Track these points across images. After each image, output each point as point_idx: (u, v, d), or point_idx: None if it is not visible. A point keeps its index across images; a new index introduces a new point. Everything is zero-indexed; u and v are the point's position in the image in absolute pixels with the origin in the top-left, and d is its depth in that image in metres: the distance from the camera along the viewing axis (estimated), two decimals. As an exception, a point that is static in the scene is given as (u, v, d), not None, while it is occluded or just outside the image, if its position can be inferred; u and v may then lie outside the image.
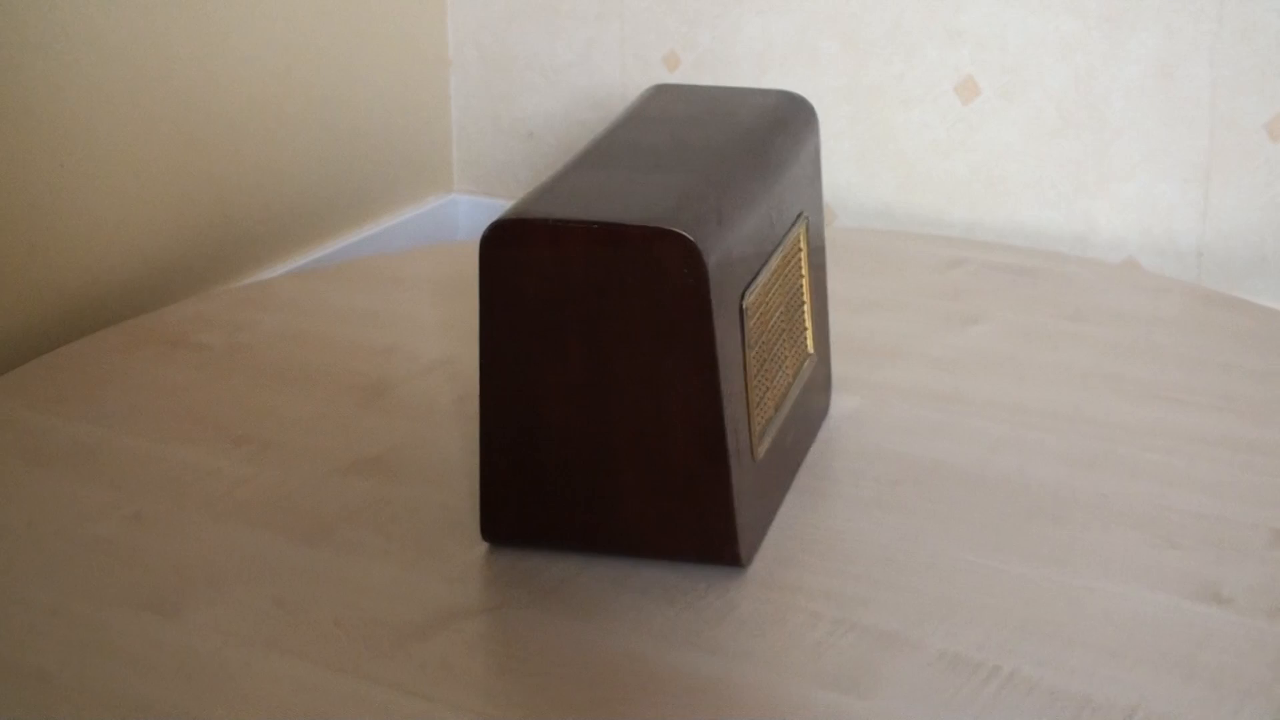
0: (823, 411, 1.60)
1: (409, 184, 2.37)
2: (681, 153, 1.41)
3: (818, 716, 1.18)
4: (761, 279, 1.39)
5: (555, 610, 1.33)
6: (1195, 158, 2.04)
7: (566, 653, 1.27)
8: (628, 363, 1.30)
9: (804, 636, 1.28)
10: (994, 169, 2.15)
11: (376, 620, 1.31)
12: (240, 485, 1.52)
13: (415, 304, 1.91)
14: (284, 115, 2.15)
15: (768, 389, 1.42)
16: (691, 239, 1.26)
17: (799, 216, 1.51)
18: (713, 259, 1.28)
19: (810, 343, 1.55)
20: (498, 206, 2.37)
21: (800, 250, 1.52)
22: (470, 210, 2.39)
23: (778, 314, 1.46)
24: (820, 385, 1.58)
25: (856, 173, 2.18)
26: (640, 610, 1.32)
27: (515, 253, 1.30)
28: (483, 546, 1.41)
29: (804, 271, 1.53)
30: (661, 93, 1.59)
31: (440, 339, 1.82)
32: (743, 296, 1.35)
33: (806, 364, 1.53)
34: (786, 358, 1.48)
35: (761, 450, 1.39)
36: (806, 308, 1.53)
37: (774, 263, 1.43)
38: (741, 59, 2.20)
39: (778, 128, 1.50)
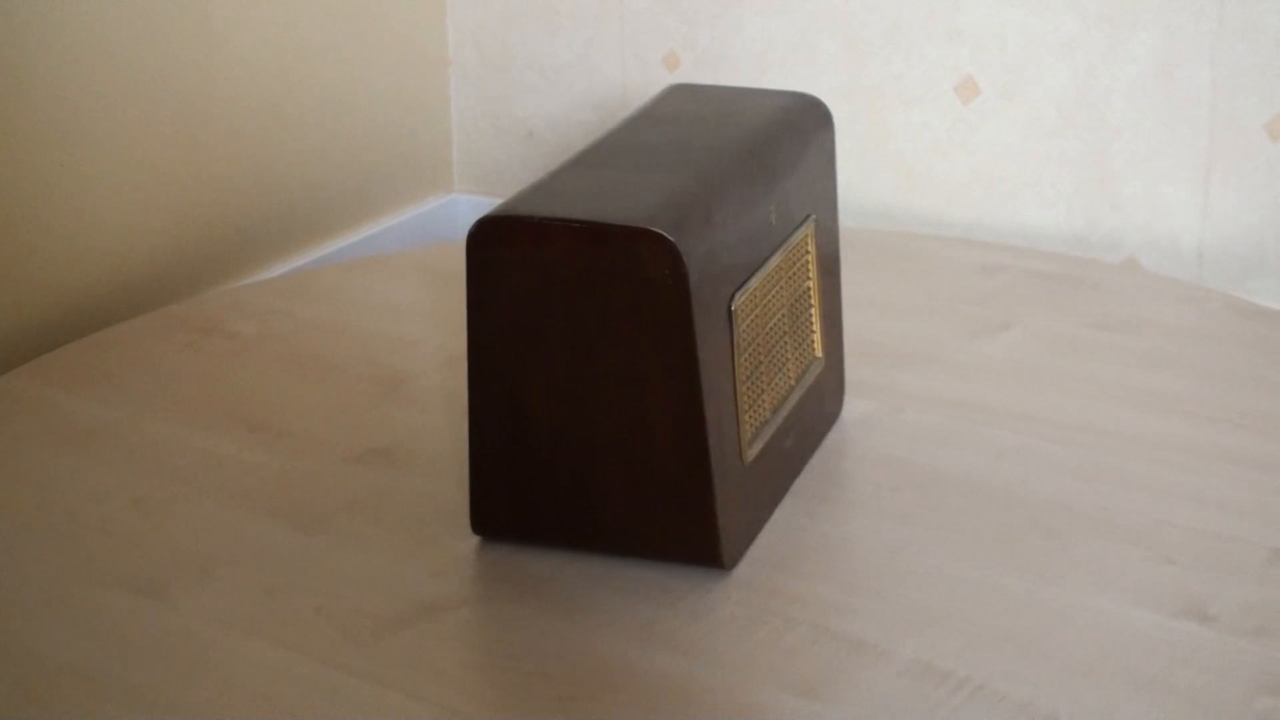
0: (832, 415, 1.59)
1: (409, 184, 2.38)
2: (680, 153, 1.41)
3: (776, 721, 1.18)
4: (756, 281, 1.39)
5: (535, 605, 1.33)
6: (1195, 158, 2.03)
7: (539, 648, 1.28)
8: (610, 362, 1.31)
9: (777, 641, 1.28)
10: (994, 169, 2.14)
11: (359, 610, 1.32)
12: (247, 473, 1.54)
13: (452, 298, 1.92)
14: (284, 115, 2.16)
15: (763, 392, 1.42)
16: (671, 239, 1.26)
17: (806, 219, 1.50)
18: (695, 259, 1.28)
19: (818, 346, 1.54)
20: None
21: (808, 253, 1.51)
22: (470, 210, 2.39)
23: (779, 317, 1.45)
24: (830, 389, 1.58)
25: (856, 173, 2.18)
26: (619, 609, 1.32)
27: (501, 250, 1.31)
28: (475, 540, 1.42)
29: (812, 274, 1.52)
30: (677, 92, 1.60)
31: (465, 334, 1.83)
32: (732, 298, 1.34)
33: (813, 367, 1.53)
34: (789, 361, 1.48)
35: (752, 453, 1.38)
36: (814, 311, 1.53)
37: (773, 265, 1.43)
38: (741, 59, 2.20)
39: (786, 129, 1.49)
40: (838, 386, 1.60)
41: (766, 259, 1.42)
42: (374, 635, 1.29)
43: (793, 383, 1.48)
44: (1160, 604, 1.31)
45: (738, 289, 1.36)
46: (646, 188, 1.34)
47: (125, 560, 1.40)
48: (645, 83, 2.21)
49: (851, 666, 1.24)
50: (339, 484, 1.52)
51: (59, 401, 1.68)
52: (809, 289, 1.52)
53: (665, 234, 1.26)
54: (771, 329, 1.44)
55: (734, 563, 1.37)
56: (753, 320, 1.39)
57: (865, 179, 2.19)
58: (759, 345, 1.41)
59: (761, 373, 1.42)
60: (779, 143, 1.47)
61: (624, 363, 1.30)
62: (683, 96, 1.58)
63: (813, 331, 1.53)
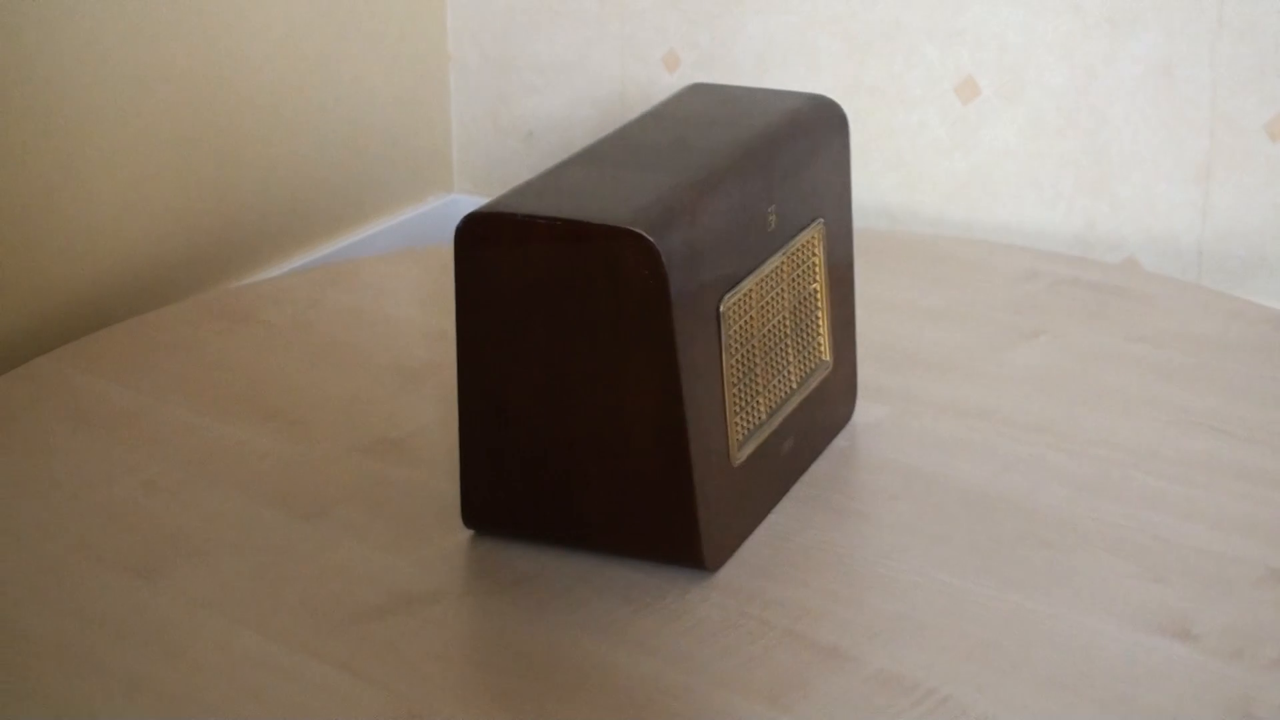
0: (842, 420, 1.59)
1: (409, 184, 2.38)
2: (677, 153, 1.41)
3: (731, 726, 1.18)
4: (750, 283, 1.39)
5: (515, 601, 1.34)
6: (1195, 158, 2.02)
7: (509, 644, 1.29)
8: (591, 361, 1.31)
9: (748, 645, 1.27)
10: (994, 169, 2.13)
11: (341, 598, 1.34)
12: (258, 459, 1.56)
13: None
14: (284, 115, 2.16)
15: (757, 394, 1.41)
16: (650, 239, 1.26)
17: (813, 222, 1.49)
18: (678, 260, 1.28)
19: (826, 350, 1.53)
20: (497, 207, 2.38)
21: (815, 256, 1.50)
22: (470, 210, 2.40)
23: (779, 319, 1.44)
24: (839, 393, 1.57)
25: (856, 173, 2.18)
26: (596, 607, 1.32)
27: (487, 246, 1.31)
28: (467, 534, 1.43)
29: (819, 278, 1.51)
30: (694, 91, 1.59)
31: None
32: (721, 300, 1.34)
33: (818, 371, 1.52)
34: (790, 364, 1.47)
35: (742, 456, 1.38)
36: (821, 314, 1.52)
37: (772, 268, 1.42)
38: (741, 59, 2.19)
39: (794, 131, 1.48)
40: (849, 391, 1.59)
41: (763, 261, 1.41)
42: (350, 624, 1.31)
43: (794, 386, 1.48)
44: (1143, 622, 1.29)
45: (728, 291, 1.35)
46: (635, 187, 1.34)
47: (124, 541, 1.43)
48: (645, 83, 2.21)
49: (818, 674, 1.24)
50: (344, 474, 1.54)
51: (89, 385, 1.72)
52: (815, 292, 1.51)
53: (644, 234, 1.26)
54: (770, 331, 1.43)
55: (718, 565, 1.37)
56: (746, 322, 1.39)
57: (865, 179, 2.19)
58: (754, 347, 1.40)
59: (757, 375, 1.41)
60: (783, 145, 1.46)
61: (606, 362, 1.30)
62: (698, 96, 1.58)
63: (819, 335, 1.52)
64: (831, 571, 1.37)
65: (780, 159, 1.45)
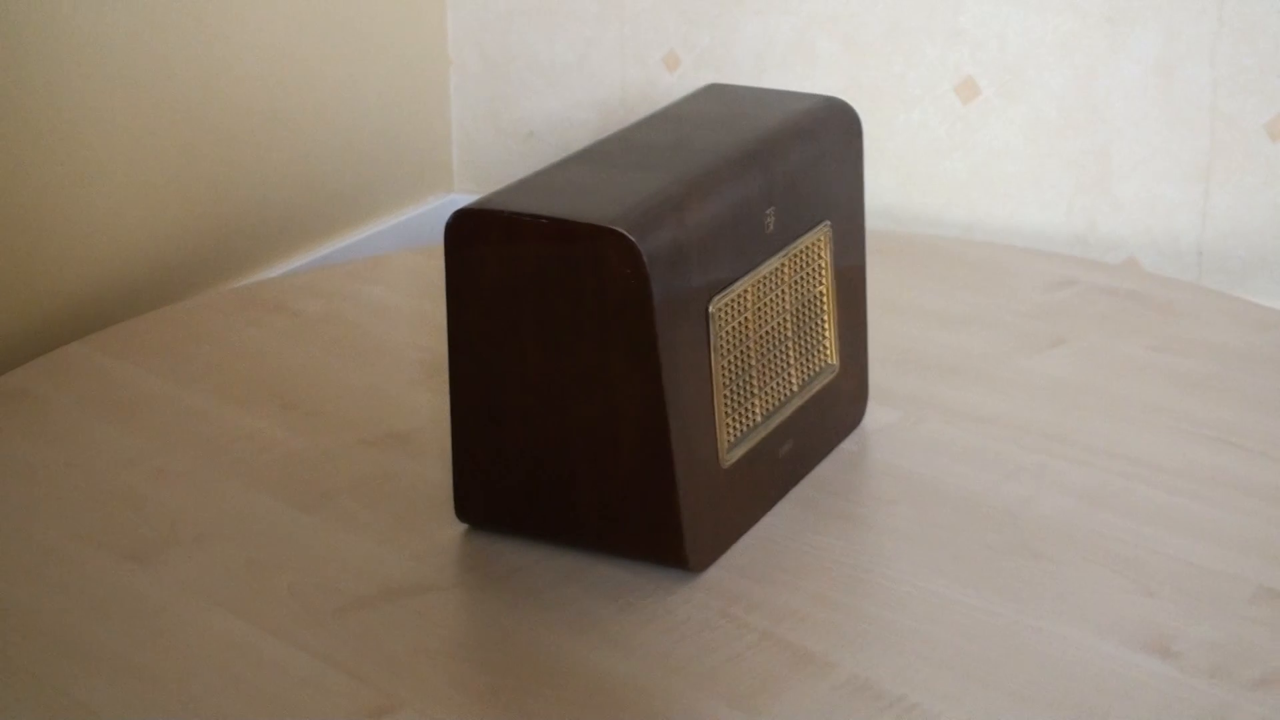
0: (850, 424, 1.58)
1: (409, 184, 2.38)
2: (675, 153, 1.41)
3: (694, 727, 1.18)
4: (744, 285, 1.38)
5: (499, 596, 1.35)
6: (1195, 158, 2.01)
7: (488, 638, 1.30)
8: (578, 359, 1.31)
9: (723, 647, 1.28)
10: (994, 169, 2.12)
11: (328, 589, 1.36)
12: (268, 449, 1.58)
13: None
14: (284, 115, 2.16)
15: (752, 396, 1.41)
16: (632, 239, 1.26)
17: (819, 225, 1.49)
18: (662, 260, 1.28)
19: (832, 354, 1.52)
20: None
21: (821, 259, 1.50)
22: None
23: (778, 321, 1.44)
24: (848, 397, 1.56)
25: (857, 172, 2.18)
26: (578, 605, 1.33)
27: (475, 242, 1.32)
28: (462, 528, 1.44)
29: (825, 281, 1.50)
30: (708, 92, 1.59)
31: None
32: (710, 301, 1.34)
33: (823, 375, 1.51)
34: (791, 366, 1.47)
35: (732, 458, 1.38)
36: (828, 318, 1.51)
37: (769, 270, 1.42)
38: (741, 59, 2.19)
39: (802, 133, 1.48)
40: (858, 395, 1.59)
41: (760, 263, 1.41)
42: (335, 614, 1.32)
43: (795, 388, 1.47)
44: (1125, 636, 1.28)
45: (719, 292, 1.35)
46: (626, 187, 1.34)
47: (127, 526, 1.45)
48: (645, 83, 2.21)
49: (790, 678, 1.24)
50: (350, 465, 1.55)
51: (117, 370, 1.75)
52: (821, 295, 1.51)
53: (626, 233, 1.26)
54: (768, 333, 1.43)
55: (704, 566, 1.37)
56: (740, 324, 1.39)
57: (866, 179, 2.19)
58: (748, 349, 1.40)
59: (752, 377, 1.41)
60: (787, 147, 1.46)
61: (591, 360, 1.31)
62: (711, 97, 1.58)
63: (825, 338, 1.52)
64: (819, 576, 1.37)
65: (782, 161, 1.44)
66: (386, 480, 1.52)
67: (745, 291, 1.39)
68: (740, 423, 1.40)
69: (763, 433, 1.42)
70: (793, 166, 1.45)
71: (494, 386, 1.35)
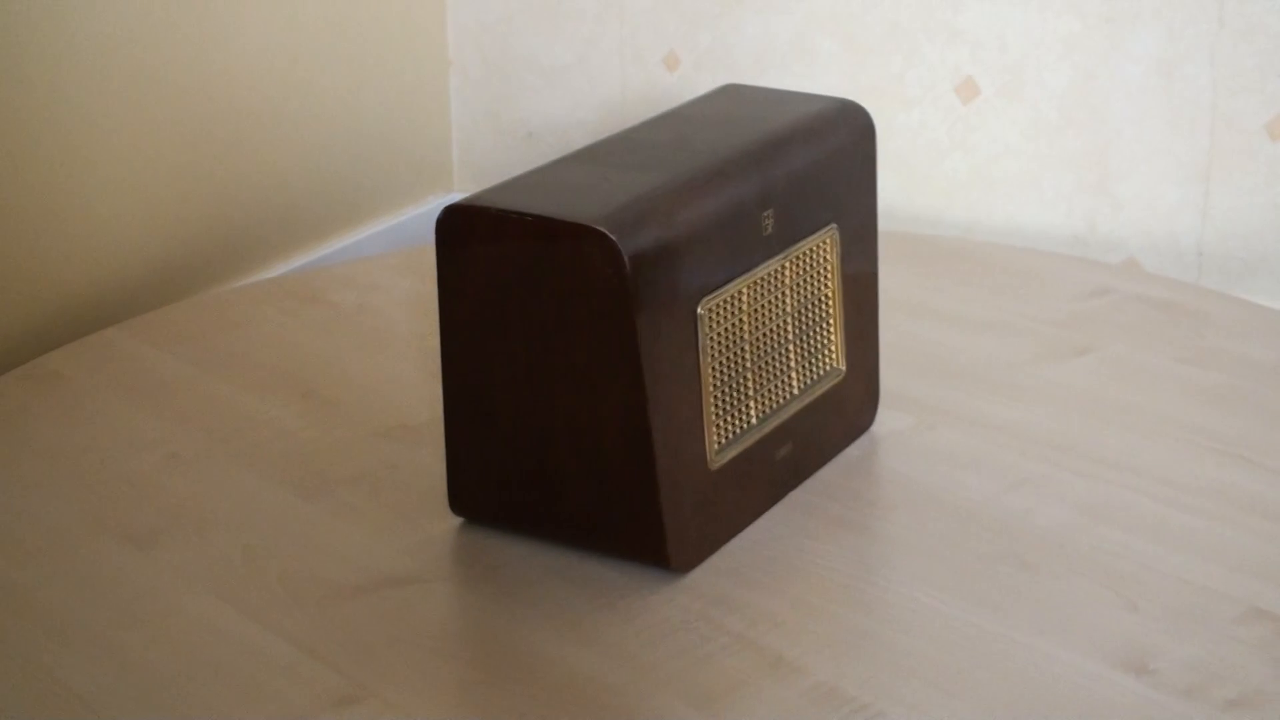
0: (857, 428, 1.57)
1: (409, 184, 2.38)
2: (673, 152, 1.41)
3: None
4: (737, 286, 1.38)
5: (482, 590, 1.36)
6: (1195, 158, 2.01)
7: (465, 632, 1.31)
8: (564, 357, 1.32)
9: (696, 648, 1.28)
10: (994, 169, 2.11)
11: (317, 578, 1.37)
12: (281, 437, 1.61)
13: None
14: (284, 115, 2.16)
15: (747, 398, 1.41)
16: (613, 238, 1.26)
17: (824, 227, 1.48)
18: (645, 260, 1.28)
19: (838, 357, 1.52)
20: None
21: (826, 262, 1.49)
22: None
23: (776, 324, 1.43)
24: (856, 402, 1.55)
25: (856, 172, 2.17)
26: (559, 602, 1.34)
27: (464, 238, 1.33)
28: (457, 521, 1.45)
29: (831, 284, 1.50)
30: (723, 92, 1.59)
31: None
32: (699, 302, 1.34)
33: (827, 378, 1.50)
34: (792, 369, 1.46)
35: (722, 460, 1.38)
36: (834, 321, 1.51)
37: (766, 271, 1.41)
38: (741, 59, 2.18)
39: (808, 135, 1.47)
40: (868, 399, 1.58)
41: (756, 265, 1.40)
42: (320, 604, 1.34)
43: (795, 391, 1.47)
44: (1103, 653, 1.26)
45: (709, 293, 1.35)
46: (617, 186, 1.34)
47: (132, 510, 1.48)
48: (645, 83, 2.22)
49: (758, 682, 1.23)
50: (357, 455, 1.57)
51: (147, 356, 1.78)
52: (827, 298, 1.50)
53: (608, 233, 1.26)
54: (765, 336, 1.42)
55: (689, 567, 1.37)
56: (732, 325, 1.38)
57: (866, 179, 2.18)
58: (742, 351, 1.40)
59: (747, 379, 1.41)
60: (791, 149, 1.45)
61: (576, 359, 1.31)
62: (725, 97, 1.58)
63: (830, 342, 1.51)
64: (804, 580, 1.36)
65: (784, 163, 1.44)
66: (391, 472, 1.54)
67: (739, 293, 1.39)
68: (732, 424, 1.40)
69: (757, 435, 1.42)
70: (796, 168, 1.44)
71: (484, 382, 1.36)
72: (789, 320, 1.45)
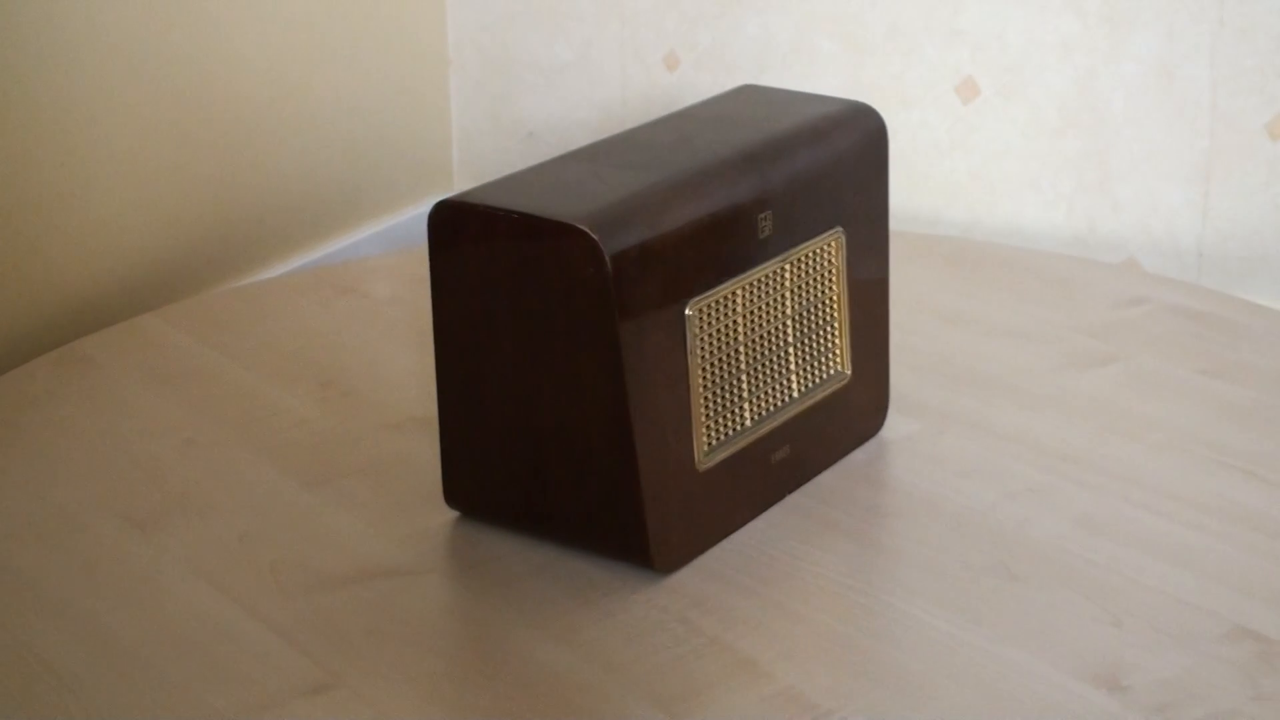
0: (865, 433, 1.56)
1: (409, 184, 2.39)
2: (671, 152, 1.41)
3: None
4: (729, 288, 1.37)
5: (467, 584, 1.37)
6: (1195, 158, 2.00)
7: (444, 625, 1.32)
8: (548, 354, 1.32)
9: (668, 649, 1.28)
10: (994, 169, 2.10)
11: (308, 567, 1.39)
12: (295, 427, 1.63)
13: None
14: (284, 115, 2.17)
15: (741, 400, 1.40)
16: (595, 237, 1.26)
17: (829, 231, 1.47)
18: (628, 260, 1.28)
19: (843, 361, 1.51)
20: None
21: (831, 266, 1.48)
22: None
23: (774, 326, 1.43)
24: (862, 407, 1.54)
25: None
26: (541, 597, 1.34)
27: (454, 234, 1.34)
28: (453, 514, 1.46)
29: (837, 288, 1.49)
30: (739, 93, 1.59)
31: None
32: (687, 303, 1.34)
33: (830, 382, 1.50)
34: (791, 372, 1.46)
35: (711, 461, 1.38)
36: (839, 326, 1.50)
37: (764, 273, 1.41)
38: (741, 59, 2.18)
39: (814, 137, 1.47)
40: (876, 405, 1.57)
41: (751, 267, 1.40)
42: (307, 592, 1.36)
43: (794, 395, 1.46)
44: (1078, 667, 1.24)
45: (698, 294, 1.35)
46: (608, 185, 1.34)
47: (140, 493, 1.51)
48: (645, 83, 2.21)
49: (726, 685, 1.23)
50: (365, 446, 1.58)
51: (178, 344, 1.81)
52: (832, 302, 1.49)
53: (590, 231, 1.27)
54: (762, 338, 1.42)
55: (673, 567, 1.37)
56: (725, 327, 1.38)
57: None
58: (736, 353, 1.40)
59: (741, 380, 1.40)
60: (793, 151, 1.44)
61: (561, 357, 1.32)
62: (739, 97, 1.57)
63: (834, 346, 1.50)
64: (787, 584, 1.36)
65: (785, 165, 1.43)
66: (396, 464, 1.55)
67: (732, 294, 1.38)
68: (724, 426, 1.39)
69: (752, 437, 1.42)
70: (798, 171, 1.44)
71: (475, 377, 1.37)
72: (789, 323, 1.45)
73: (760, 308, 1.42)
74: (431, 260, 1.36)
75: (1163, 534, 1.42)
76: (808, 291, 1.47)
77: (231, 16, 2.08)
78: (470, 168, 2.43)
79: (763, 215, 1.40)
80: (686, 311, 1.34)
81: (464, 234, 1.33)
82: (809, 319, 1.47)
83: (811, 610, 1.32)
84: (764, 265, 1.41)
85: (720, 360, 1.39)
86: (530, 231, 1.30)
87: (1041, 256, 2.02)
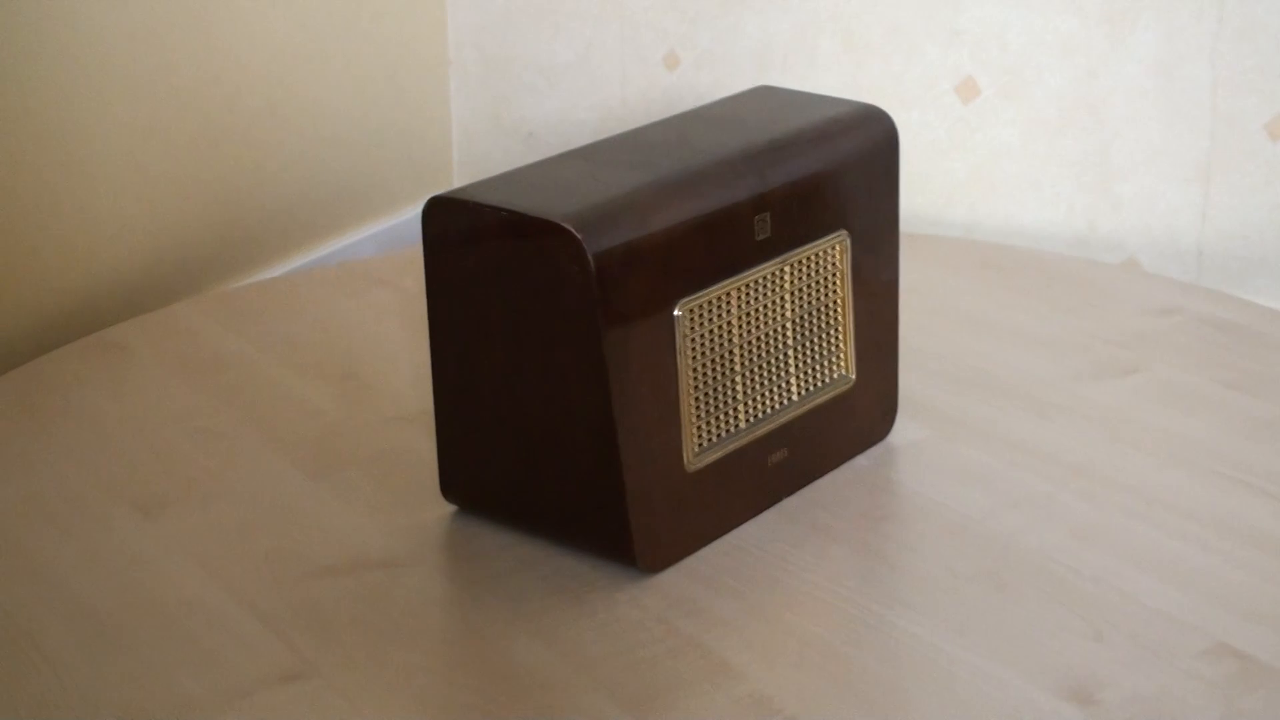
0: (871, 438, 1.55)
1: (409, 184, 2.39)
2: (670, 152, 1.41)
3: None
4: (722, 288, 1.37)
5: (456, 578, 1.38)
6: (1195, 158, 1.99)
7: (424, 618, 1.33)
8: (537, 352, 1.33)
9: (644, 649, 1.28)
10: (994, 169, 2.10)
11: (301, 556, 1.40)
12: (310, 417, 1.64)
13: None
14: (284, 116, 2.17)
15: (735, 401, 1.40)
16: (578, 235, 1.27)
17: (834, 233, 1.46)
18: (613, 259, 1.28)
19: (847, 365, 1.50)
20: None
21: (834, 269, 1.47)
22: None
23: (771, 328, 1.43)
24: (869, 411, 1.54)
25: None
26: (525, 593, 1.35)
27: (447, 229, 1.35)
28: (451, 508, 1.47)
29: (841, 291, 1.48)
30: (753, 93, 1.58)
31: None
32: (677, 303, 1.33)
33: (834, 386, 1.49)
34: (791, 375, 1.45)
35: (701, 462, 1.37)
36: (843, 329, 1.49)
37: (760, 275, 1.40)
38: (741, 59, 2.18)
39: (818, 139, 1.46)
40: (884, 409, 1.56)
41: (747, 268, 1.39)
42: (297, 581, 1.37)
43: (793, 397, 1.46)
44: (1052, 680, 1.23)
45: (689, 295, 1.35)
46: (600, 184, 1.35)
47: (149, 480, 1.53)
48: (645, 83, 2.21)
49: (693, 687, 1.23)
50: (375, 439, 1.60)
51: (209, 333, 1.84)
52: (836, 306, 1.48)
53: (573, 230, 1.27)
54: (758, 340, 1.42)
55: (659, 567, 1.37)
56: (717, 328, 1.38)
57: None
58: (730, 354, 1.39)
59: (734, 382, 1.40)
60: (796, 152, 1.44)
61: (548, 354, 1.32)
62: (753, 98, 1.57)
63: (838, 349, 1.49)
64: (772, 587, 1.35)
65: (786, 167, 1.42)
66: (403, 456, 1.56)
67: (725, 295, 1.38)
68: (716, 427, 1.39)
69: (746, 438, 1.41)
70: (800, 173, 1.43)
71: (468, 371, 1.38)
72: (789, 325, 1.45)
73: (757, 309, 1.41)
74: (425, 255, 1.37)
75: (1158, 548, 1.40)
76: (810, 294, 1.46)
77: (232, 17, 2.08)
78: (470, 168, 2.44)
79: (760, 217, 1.40)
80: (675, 312, 1.34)
81: (454, 229, 1.34)
82: (811, 322, 1.47)
83: (792, 614, 1.32)
84: (761, 267, 1.41)
85: (713, 361, 1.38)
86: (517, 228, 1.30)
87: (1078, 264, 2.00)
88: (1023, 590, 1.34)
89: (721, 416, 1.40)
